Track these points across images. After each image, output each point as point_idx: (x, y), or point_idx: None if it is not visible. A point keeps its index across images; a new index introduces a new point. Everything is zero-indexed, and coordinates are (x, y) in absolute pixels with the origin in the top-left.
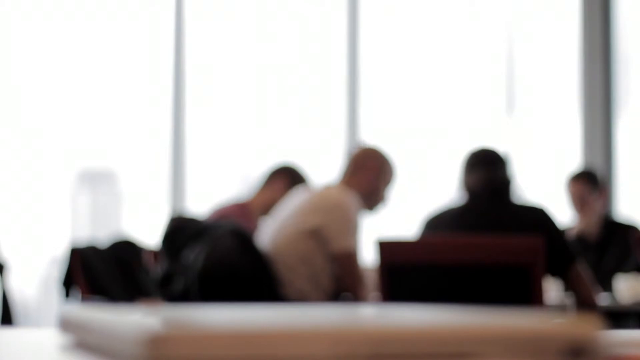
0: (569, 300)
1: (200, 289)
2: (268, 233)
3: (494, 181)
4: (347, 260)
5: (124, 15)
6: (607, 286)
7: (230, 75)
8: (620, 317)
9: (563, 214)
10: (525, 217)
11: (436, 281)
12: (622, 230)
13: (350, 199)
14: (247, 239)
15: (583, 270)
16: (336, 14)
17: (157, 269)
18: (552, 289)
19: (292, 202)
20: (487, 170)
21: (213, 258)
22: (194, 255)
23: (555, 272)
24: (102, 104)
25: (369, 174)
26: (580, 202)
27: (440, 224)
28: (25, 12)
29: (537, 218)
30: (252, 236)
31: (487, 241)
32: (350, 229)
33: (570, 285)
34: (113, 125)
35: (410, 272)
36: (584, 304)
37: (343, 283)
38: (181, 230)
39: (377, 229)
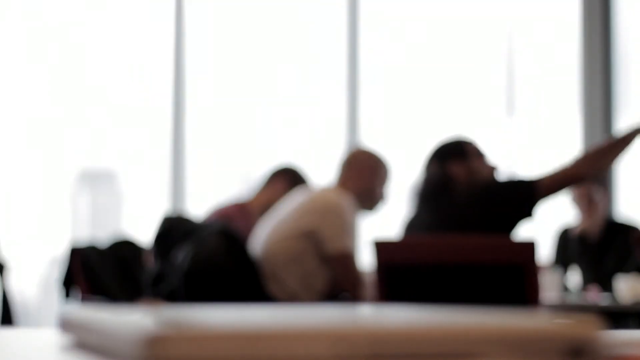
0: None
1: (187, 289)
2: (263, 233)
3: (427, 182)
4: (343, 261)
5: (125, 15)
6: (607, 286)
7: (230, 75)
8: (620, 317)
9: (563, 214)
10: (470, 196)
11: (433, 281)
12: (623, 231)
13: (346, 200)
14: (234, 240)
15: (551, 174)
16: (336, 14)
17: (151, 269)
18: (548, 289)
19: (289, 204)
20: (428, 167)
21: (199, 258)
22: (182, 256)
23: (537, 201)
24: (102, 104)
25: (363, 175)
26: (586, 200)
27: (413, 228)
28: (25, 12)
29: (482, 188)
30: (239, 236)
31: (482, 241)
32: (346, 230)
33: (560, 181)
34: (113, 125)
35: (406, 272)
36: (576, 178)
37: (341, 284)
38: (173, 230)
39: (378, 230)
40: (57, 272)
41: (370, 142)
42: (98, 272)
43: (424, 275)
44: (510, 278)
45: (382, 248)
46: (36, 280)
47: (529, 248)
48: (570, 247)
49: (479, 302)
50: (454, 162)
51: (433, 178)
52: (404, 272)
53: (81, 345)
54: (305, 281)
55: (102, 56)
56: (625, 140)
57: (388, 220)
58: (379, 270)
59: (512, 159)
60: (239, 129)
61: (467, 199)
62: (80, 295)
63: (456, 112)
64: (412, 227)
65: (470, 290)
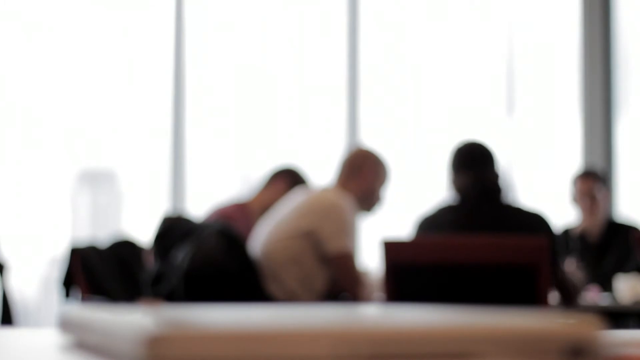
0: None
1: (186, 289)
2: (263, 233)
3: (484, 181)
4: (343, 261)
5: (124, 15)
6: (607, 286)
7: (230, 75)
8: (620, 317)
9: (563, 213)
10: (522, 221)
11: (442, 281)
12: (623, 231)
13: (346, 201)
14: (233, 239)
15: (565, 269)
16: (336, 14)
17: (150, 269)
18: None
19: (289, 204)
20: (475, 170)
21: (198, 258)
22: (182, 255)
23: None
24: (102, 104)
25: (364, 176)
26: (590, 198)
27: (434, 225)
28: (25, 12)
29: (536, 223)
30: (238, 236)
31: (493, 241)
32: (345, 230)
33: (555, 284)
34: (113, 125)
35: (415, 272)
36: (567, 301)
37: (340, 284)
38: (173, 230)
39: (380, 230)
40: (57, 272)
41: (370, 142)
42: (98, 272)
43: (434, 275)
44: (520, 279)
45: (392, 248)
46: (36, 280)
47: (540, 248)
48: (570, 247)
49: (489, 302)
50: (495, 167)
51: (490, 181)
52: (413, 272)
53: (81, 345)
54: (305, 281)
55: (101, 56)
56: None
57: (387, 220)
58: (387, 270)
59: (512, 159)
60: (239, 129)
61: (519, 220)
62: (80, 295)
63: (456, 112)
64: (447, 225)
65: (480, 290)
